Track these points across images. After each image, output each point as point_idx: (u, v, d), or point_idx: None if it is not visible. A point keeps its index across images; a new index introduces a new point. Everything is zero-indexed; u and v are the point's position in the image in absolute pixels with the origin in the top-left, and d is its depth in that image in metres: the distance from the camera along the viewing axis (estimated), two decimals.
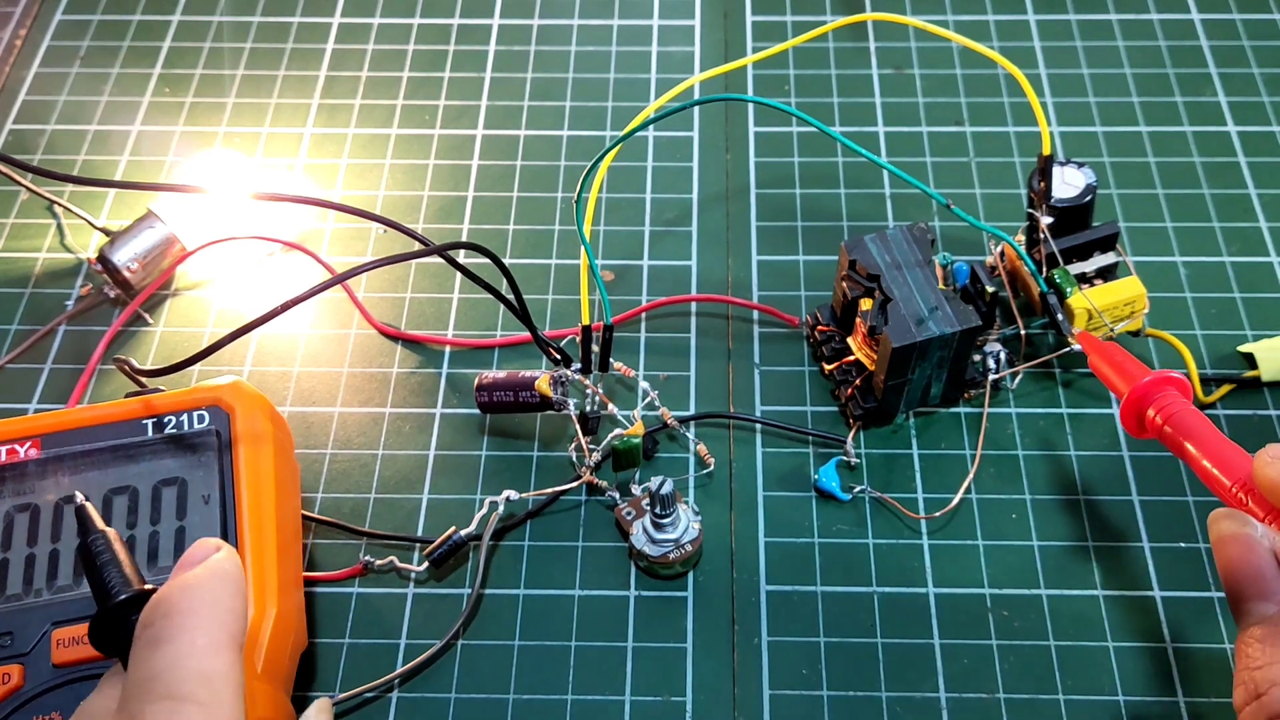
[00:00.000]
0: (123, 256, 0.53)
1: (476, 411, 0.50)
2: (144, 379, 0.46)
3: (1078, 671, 0.43)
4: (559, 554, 0.46)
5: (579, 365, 0.48)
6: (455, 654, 0.44)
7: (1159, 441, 0.41)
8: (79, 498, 0.34)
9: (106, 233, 0.54)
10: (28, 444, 0.43)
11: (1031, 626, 0.44)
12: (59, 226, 0.58)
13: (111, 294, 0.54)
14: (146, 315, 0.54)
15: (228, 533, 0.41)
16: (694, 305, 0.54)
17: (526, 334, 0.50)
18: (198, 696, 0.27)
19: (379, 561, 0.46)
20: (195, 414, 0.43)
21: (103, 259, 0.52)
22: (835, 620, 0.44)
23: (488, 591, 0.46)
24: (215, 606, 0.30)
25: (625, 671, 0.44)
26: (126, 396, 0.45)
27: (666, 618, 0.45)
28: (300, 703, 0.42)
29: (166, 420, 0.43)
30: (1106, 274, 0.50)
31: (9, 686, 0.38)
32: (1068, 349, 0.48)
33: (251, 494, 0.42)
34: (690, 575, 0.46)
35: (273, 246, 0.56)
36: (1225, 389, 0.50)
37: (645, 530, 0.45)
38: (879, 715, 0.42)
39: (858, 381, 0.48)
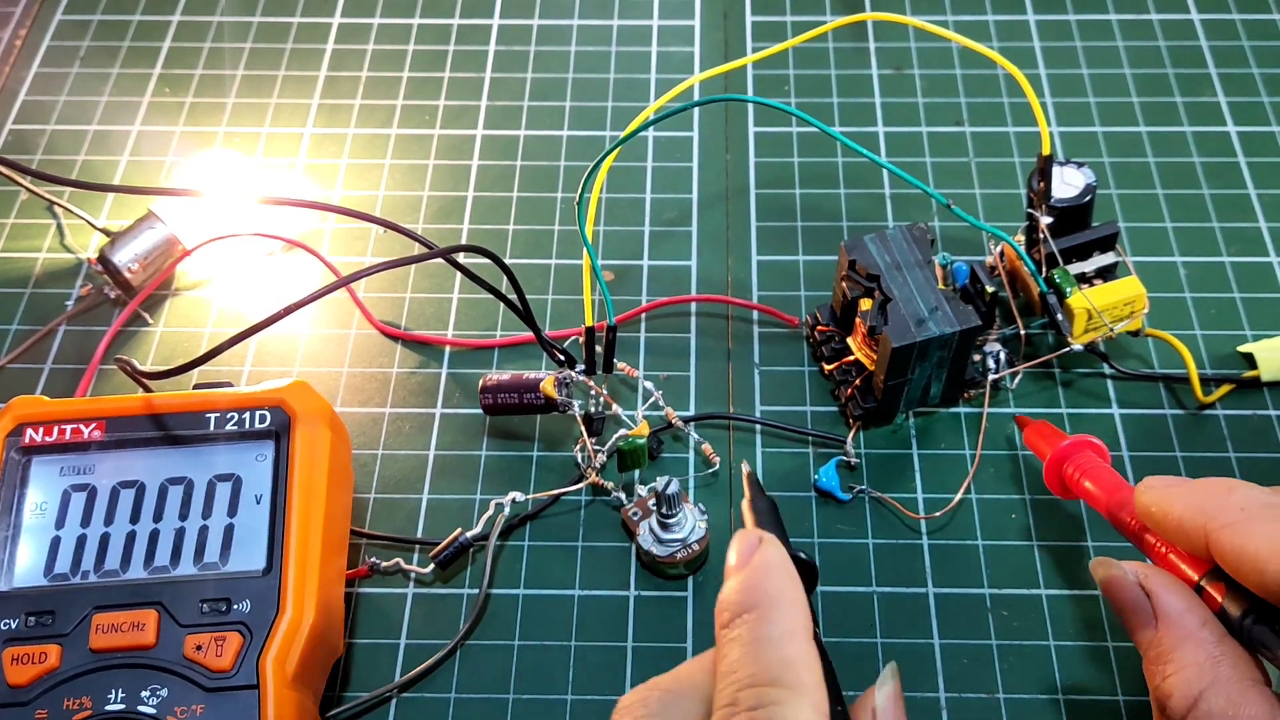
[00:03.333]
0: (123, 257, 0.53)
1: (477, 411, 0.50)
2: (146, 380, 0.46)
3: (1078, 671, 0.43)
4: (559, 554, 0.47)
5: (582, 366, 0.48)
6: (455, 654, 0.44)
7: (1081, 499, 0.43)
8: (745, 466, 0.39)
9: (107, 233, 0.54)
10: (92, 425, 0.43)
11: (1031, 626, 0.44)
12: (59, 227, 0.58)
13: (112, 294, 0.54)
14: (146, 315, 0.54)
15: (274, 536, 0.41)
16: (694, 305, 0.54)
17: (527, 334, 0.50)
18: (783, 680, 0.30)
19: (385, 564, 0.46)
20: (257, 413, 0.43)
21: (103, 259, 0.52)
22: (835, 620, 0.44)
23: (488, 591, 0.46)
24: (778, 599, 0.32)
25: (625, 671, 0.44)
26: (195, 388, 0.45)
27: (667, 618, 0.45)
28: (322, 704, 0.42)
29: (229, 416, 0.43)
30: (1106, 274, 0.50)
31: (45, 666, 0.38)
32: (1067, 349, 0.48)
33: (302, 499, 0.42)
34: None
35: (273, 245, 0.56)
36: (1225, 389, 0.50)
37: (652, 530, 0.45)
38: None
39: (857, 381, 0.48)
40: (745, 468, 0.40)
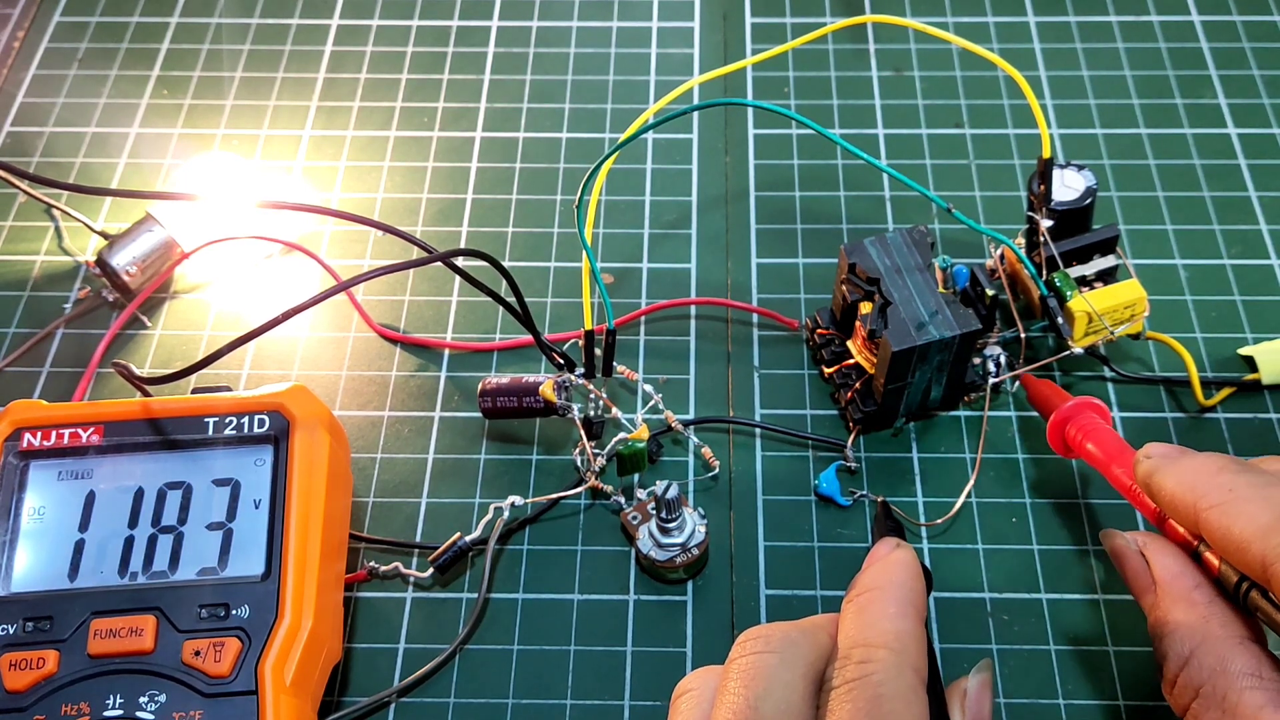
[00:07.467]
0: (121, 260, 0.52)
1: (476, 415, 0.50)
2: (144, 384, 0.46)
3: (1078, 676, 0.43)
4: (558, 558, 0.46)
5: (582, 370, 0.48)
6: (454, 659, 0.44)
7: (1082, 459, 0.44)
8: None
9: (105, 236, 0.54)
10: (91, 429, 0.43)
11: (1032, 630, 0.44)
12: (57, 229, 0.57)
13: (110, 297, 0.54)
14: (144, 318, 0.54)
15: (273, 540, 0.41)
16: (693, 308, 0.54)
17: (526, 337, 0.50)
18: (889, 645, 0.34)
19: (384, 568, 0.46)
20: (256, 417, 0.43)
21: (101, 262, 0.52)
22: None
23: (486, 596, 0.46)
24: (901, 585, 0.37)
25: (625, 676, 0.43)
26: (193, 392, 0.45)
27: (666, 622, 0.45)
28: (321, 709, 0.42)
29: (228, 421, 0.43)
30: (1106, 277, 0.50)
31: (43, 672, 0.38)
32: (1068, 352, 0.48)
33: (301, 504, 0.41)
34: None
35: (272, 248, 0.56)
36: (1226, 392, 0.50)
37: (651, 534, 0.45)
38: None
39: (857, 385, 0.48)
40: (880, 498, 0.46)
